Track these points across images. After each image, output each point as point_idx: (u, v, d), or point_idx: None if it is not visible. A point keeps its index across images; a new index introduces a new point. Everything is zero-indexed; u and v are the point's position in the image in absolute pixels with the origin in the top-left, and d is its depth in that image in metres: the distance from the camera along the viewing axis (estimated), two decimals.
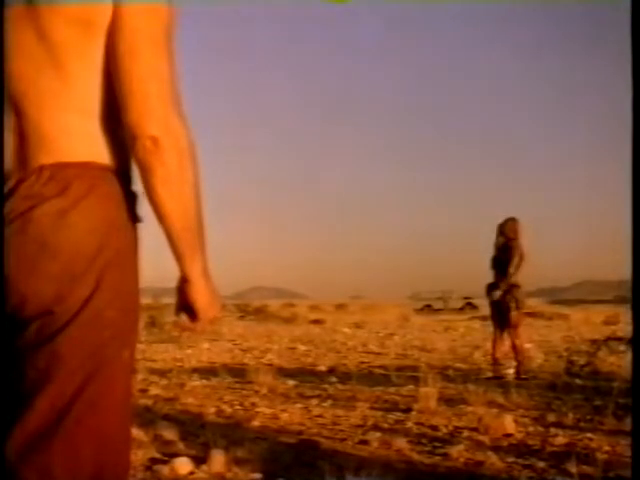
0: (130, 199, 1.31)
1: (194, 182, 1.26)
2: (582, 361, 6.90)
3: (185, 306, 1.37)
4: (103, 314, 1.23)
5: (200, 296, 1.33)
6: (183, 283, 1.34)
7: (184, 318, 1.39)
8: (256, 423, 4.61)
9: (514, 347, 7.19)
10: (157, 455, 3.62)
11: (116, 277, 1.25)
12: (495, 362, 7.23)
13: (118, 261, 1.26)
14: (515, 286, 7.19)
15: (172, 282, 1.41)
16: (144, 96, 1.21)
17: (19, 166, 1.24)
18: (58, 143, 1.24)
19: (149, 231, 1.36)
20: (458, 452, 3.70)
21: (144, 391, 6.05)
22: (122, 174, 1.30)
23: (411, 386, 6.03)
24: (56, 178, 1.21)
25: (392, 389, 6.15)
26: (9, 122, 1.26)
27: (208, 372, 7.37)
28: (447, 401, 5.26)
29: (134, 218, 1.32)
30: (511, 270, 7.16)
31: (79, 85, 1.25)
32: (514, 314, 7.15)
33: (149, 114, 1.21)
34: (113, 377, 1.26)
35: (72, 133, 1.25)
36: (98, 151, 1.26)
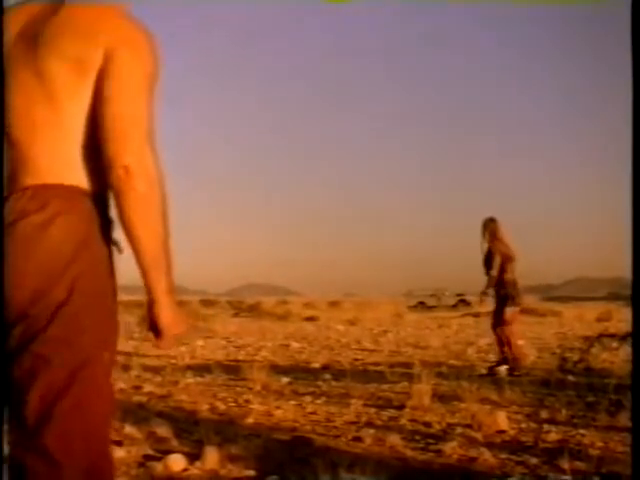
0: (105, 222, 1.43)
1: (161, 208, 1.37)
2: (575, 358, 6.92)
3: (152, 323, 1.44)
4: (78, 319, 1.34)
5: (164, 314, 1.41)
6: (150, 302, 1.41)
7: (152, 335, 1.45)
8: (250, 420, 4.61)
9: (508, 344, 7.20)
10: (151, 452, 3.62)
11: (90, 285, 1.36)
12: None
13: (92, 270, 1.37)
14: (508, 283, 7.23)
15: None
16: (122, 134, 1.35)
17: (8, 184, 1.38)
18: (45, 168, 1.38)
19: None
20: (451, 448, 3.71)
21: (138, 388, 6.04)
22: (100, 200, 1.43)
23: (405, 383, 6.03)
24: (37, 196, 1.35)
25: (386, 386, 6.16)
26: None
27: (202, 369, 7.35)
28: (440, 398, 5.26)
29: (109, 240, 1.43)
30: (493, 272, 7.26)
31: (69, 118, 1.38)
32: (508, 310, 7.19)
33: (124, 148, 1.35)
34: (95, 377, 1.36)
35: (58, 160, 1.39)
36: (79, 177, 1.40)
